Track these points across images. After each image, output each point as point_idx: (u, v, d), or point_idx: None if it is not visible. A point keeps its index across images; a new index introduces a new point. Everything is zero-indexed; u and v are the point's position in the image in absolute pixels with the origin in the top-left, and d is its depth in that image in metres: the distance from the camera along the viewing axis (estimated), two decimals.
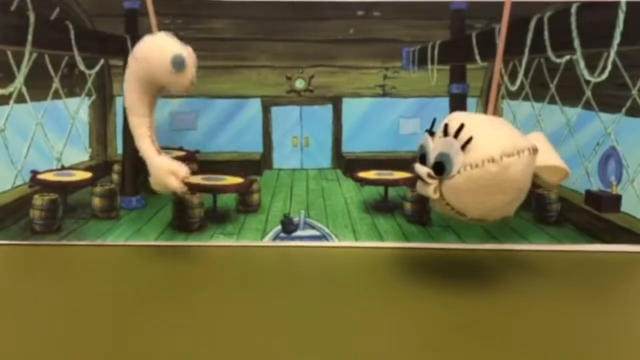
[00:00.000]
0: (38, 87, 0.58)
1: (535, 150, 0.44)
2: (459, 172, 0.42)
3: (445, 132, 0.43)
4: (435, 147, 0.44)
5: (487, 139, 0.42)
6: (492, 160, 0.42)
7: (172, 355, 0.38)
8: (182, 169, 0.50)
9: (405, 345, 0.39)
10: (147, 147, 0.51)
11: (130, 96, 0.50)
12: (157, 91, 0.51)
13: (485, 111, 0.57)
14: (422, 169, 0.44)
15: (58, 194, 0.59)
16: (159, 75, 0.49)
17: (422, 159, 0.45)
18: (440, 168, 0.43)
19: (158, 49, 0.49)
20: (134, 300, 0.46)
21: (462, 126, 0.43)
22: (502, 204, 0.44)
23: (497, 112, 0.59)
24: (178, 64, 0.48)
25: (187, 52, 0.49)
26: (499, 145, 0.42)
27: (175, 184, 0.50)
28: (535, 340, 0.40)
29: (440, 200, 0.44)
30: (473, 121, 0.43)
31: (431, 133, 0.45)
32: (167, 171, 0.50)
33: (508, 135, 0.43)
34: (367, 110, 0.59)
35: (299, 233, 0.59)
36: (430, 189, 0.44)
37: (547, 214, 0.59)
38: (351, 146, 0.60)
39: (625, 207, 0.57)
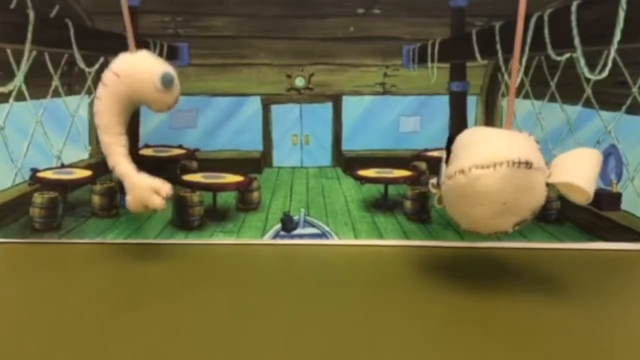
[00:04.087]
0: (38, 85, 0.58)
1: (522, 164, 0.41)
2: (442, 182, 0.45)
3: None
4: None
5: (465, 152, 0.44)
6: (462, 172, 0.43)
7: (172, 352, 0.38)
8: (165, 186, 0.50)
9: (405, 343, 0.39)
10: (125, 166, 0.50)
11: (106, 114, 0.49)
12: (133, 109, 0.51)
13: (486, 110, 0.58)
14: (431, 180, 0.49)
15: (58, 192, 0.59)
16: (146, 93, 0.49)
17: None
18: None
19: (145, 66, 0.49)
20: (133, 298, 0.46)
21: (451, 139, 0.45)
22: (483, 216, 0.43)
23: (496, 111, 0.59)
24: (168, 81, 0.48)
25: (173, 71, 0.49)
26: (472, 157, 0.43)
27: (159, 203, 0.49)
28: (536, 338, 0.40)
29: (443, 207, 0.47)
30: (468, 135, 0.45)
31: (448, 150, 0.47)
32: (151, 189, 0.49)
33: (491, 148, 0.42)
34: (367, 108, 0.59)
35: (299, 231, 0.59)
36: (435, 198, 0.48)
37: (547, 212, 0.59)
38: (351, 144, 0.60)
39: (625, 205, 0.57)
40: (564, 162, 0.43)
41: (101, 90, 0.49)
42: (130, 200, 0.50)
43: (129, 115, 0.50)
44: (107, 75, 0.49)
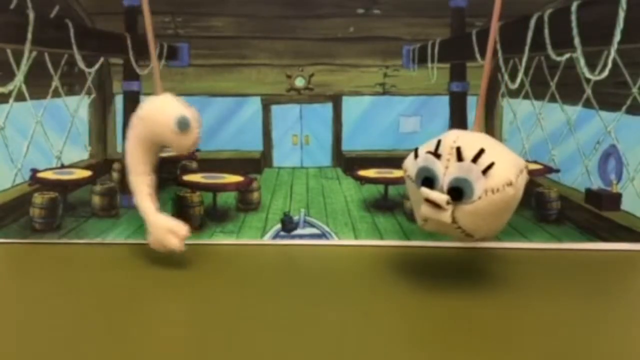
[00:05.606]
0: (38, 85, 0.58)
1: (526, 165, 0.45)
2: (479, 197, 0.42)
3: (459, 156, 0.42)
4: (449, 171, 0.43)
5: (504, 163, 0.42)
6: (511, 184, 0.42)
7: (172, 352, 0.38)
8: (182, 228, 0.50)
9: (405, 344, 0.39)
10: (146, 205, 0.51)
11: (132, 155, 0.51)
12: (158, 150, 0.52)
13: (486, 111, 0.57)
14: (438, 196, 0.42)
15: (58, 193, 0.59)
16: (163, 135, 0.50)
17: (427, 182, 0.43)
18: (458, 194, 0.42)
19: (163, 109, 0.50)
20: (134, 299, 0.46)
21: (482, 151, 0.42)
22: (506, 221, 0.45)
23: (496, 111, 0.59)
24: (183, 124, 0.49)
25: (191, 114, 0.50)
26: (512, 167, 0.43)
27: (175, 243, 0.50)
28: (535, 339, 0.40)
29: (449, 224, 0.43)
30: (485, 144, 0.43)
31: (437, 155, 0.43)
32: (167, 230, 0.50)
33: (512, 155, 0.44)
34: (367, 108, 0.59)
35: (299, 231, 0.59)
36: (447, 215, 0.42)
37: (547, 213, 0.59)
38: (351, 144, 0.60)
39: (625, 205, 0.57)
40: None
41: (128, 132, 0.51)
42: (151, 239, 0.51)
43: (155, 155, 0.52)
44: (133, 118, 0.51)
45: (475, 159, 0.42)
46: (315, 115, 0.60)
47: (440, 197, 0.42)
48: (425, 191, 0.43)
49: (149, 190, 0.51)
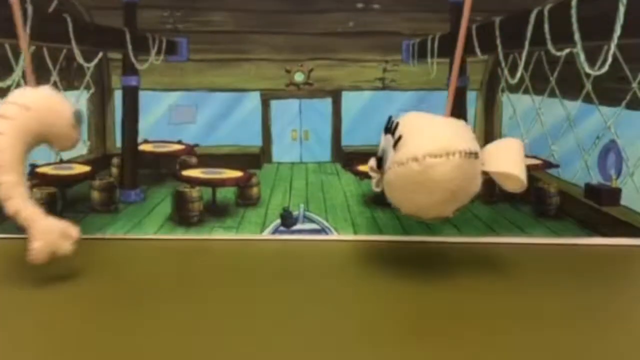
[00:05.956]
0: (36, 80, 0.58)
1: (472, 154, 0.43)
2: (389, 168, 0.44)
3: (393, 130, 0.45)
4: (383, 143, 0.47)
5: (414, 139, 0.43)
6: (415, 160, 0.42)
7: (172, 348, 0.38)
8: (74, 229, 0.46)
9: (404, 338, 0.39)
10: (31, 209, 0.45)
11: (10, 151, 0.44)
12: (33, 148, 0.47)
13: (486, 106, 0.57)
14: (370, 162, 0.48)
15: (57, 188, 0.59)
16: (57, 127, 0.46)
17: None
18: (380, 162, 0.46)
19: (59, 100, 0.47)
20: (133, 294, 0.46)
21: (397, 125, 0.44)
22: (431, 203, 0.44)
23: (496, 106, 0.59)
24: (78, 118, 0.48)
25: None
26: (425, 145, 0.43)
27: (69, 247, 0.45)
28: (534, 333, 0.40)
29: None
30: (411, 121, 0.45)
31: (387, 130, 0.46)
32: (61, 234, 0.45)
33: (441, 136, 0.43)
34: (366, 103, 0.59)
35: (298, 227, 0.59)
36: (373, 182, 0.48)
37: (546, 208, 0.59)
38: (350, 140, 0.60)
39: (624, 200, 0.57)
40: (494, 152, 0.45)
41: (2, 125, 0.44)
42: (41, 247, 0.44)
43: (29, 154, 0.47)
44: (9, 109, 0.45)
45: (393, 132, 0.44)
46: (315, 111, 0.60)
47: (370, 162, 0.48)
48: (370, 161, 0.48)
49: (28, 193, 0.45)
